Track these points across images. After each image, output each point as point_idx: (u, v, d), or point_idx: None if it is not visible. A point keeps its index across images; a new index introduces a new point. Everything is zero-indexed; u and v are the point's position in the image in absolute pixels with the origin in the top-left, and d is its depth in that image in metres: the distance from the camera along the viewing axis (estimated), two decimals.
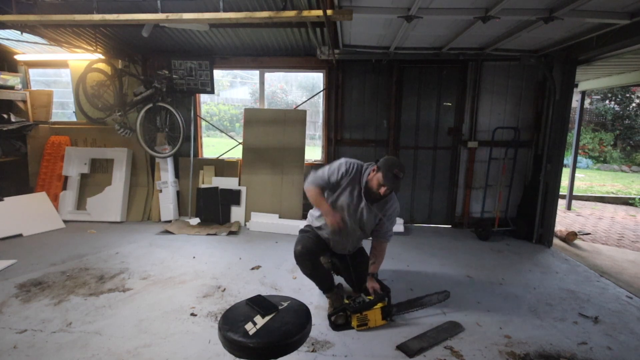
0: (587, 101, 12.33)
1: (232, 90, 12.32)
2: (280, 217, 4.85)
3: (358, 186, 2.56)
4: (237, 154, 5.23)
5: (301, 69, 5.11)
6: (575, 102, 5.10)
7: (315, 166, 5.09)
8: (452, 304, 2.88)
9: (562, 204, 6.50)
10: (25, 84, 5.44)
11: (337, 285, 2.86)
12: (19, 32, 3.97)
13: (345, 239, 2.71)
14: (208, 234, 4.46)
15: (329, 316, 2.53)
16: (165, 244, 4.09)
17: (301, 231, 2.84)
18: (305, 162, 5.04)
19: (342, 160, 2.59)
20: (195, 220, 4.87)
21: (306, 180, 2.60)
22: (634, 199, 7.54)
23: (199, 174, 5.10)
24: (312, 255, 2.65)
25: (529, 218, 4.59)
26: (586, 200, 7.66)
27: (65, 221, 4.71)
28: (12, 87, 5.05)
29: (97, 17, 3.19)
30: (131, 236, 4.34)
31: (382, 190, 2.41)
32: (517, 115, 4.77)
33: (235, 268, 3.50)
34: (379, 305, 2.52)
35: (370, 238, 2.81)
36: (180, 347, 2.27)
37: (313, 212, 2.82)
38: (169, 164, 5.00)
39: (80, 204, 4.98)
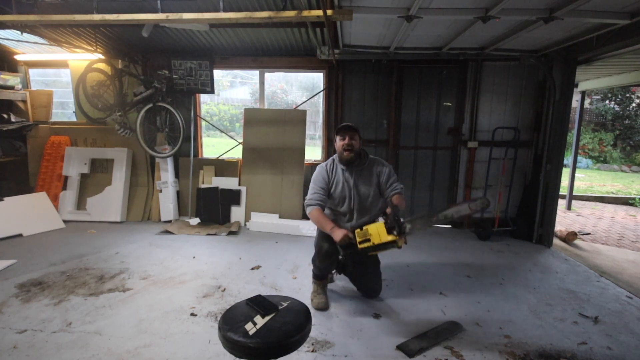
0: (587, 101, 12.33)
1: (232, 90, 12.34)
2: (280, 217, 4.85)
3: (338, 168, 2.79)
4: (237, 154, 5.23)
5: (301, 69, 5.10)
6: (575, 102, 5.11)
7: (315, 167, 5.13)
8: (452, 304, 2.88)
9: (562, 204, 6.50)
10: (25, 84, 5.44)
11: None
12: (19, 32, 3.97)
13: (362, 217, 2.79)
14: (208, 234, 4.46)
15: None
16: (165, 244, 4.09)
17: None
18: (305, 162, 5.04)
19: (319, 166, 2.85)
20: (195, 220, 4.87)
21: (306, 204, 2.73)
22: (634, 199, 7.54)
23: (199, 174, 5.10)
24: (335, 254, 2.77)
25: (529, 218, 4.59)
26: (586, 200, 7.65)
27: (65, 221, 4.71)
28: (12, 87, 5.05)
29: (97, 17, 3.19)
30: (131, 236, 4.34)
31: (344, 142, 2.67)
32: (517, 115, 4.77)
33: (235, 268, 3.50)
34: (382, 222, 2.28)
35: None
36: (180, 347, 2.27)
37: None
38: (169, 164, 5.00)
39: (80, 204, 4.98)
